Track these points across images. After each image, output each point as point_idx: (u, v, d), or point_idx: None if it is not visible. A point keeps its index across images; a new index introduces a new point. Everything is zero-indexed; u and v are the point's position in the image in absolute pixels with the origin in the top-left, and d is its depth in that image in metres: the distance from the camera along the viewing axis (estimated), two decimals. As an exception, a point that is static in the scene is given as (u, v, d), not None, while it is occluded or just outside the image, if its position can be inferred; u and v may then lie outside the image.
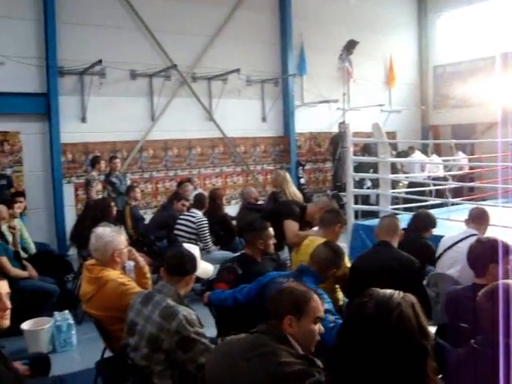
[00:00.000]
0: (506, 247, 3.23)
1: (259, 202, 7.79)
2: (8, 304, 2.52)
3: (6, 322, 2.52)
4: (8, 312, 2.52)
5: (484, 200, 8.35)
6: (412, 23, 14.77)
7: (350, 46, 11.79)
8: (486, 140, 11.28)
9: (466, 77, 13.80)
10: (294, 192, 7.16)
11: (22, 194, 7.76)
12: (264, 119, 11.69)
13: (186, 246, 3.47)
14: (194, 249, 3.46)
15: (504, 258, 3.13)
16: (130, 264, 4.17)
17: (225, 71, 10.57)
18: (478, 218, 4.76)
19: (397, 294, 1.64)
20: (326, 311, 3.15)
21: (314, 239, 4.31)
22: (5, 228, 6.33)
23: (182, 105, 10.45)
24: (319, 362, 2.20)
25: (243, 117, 11.20)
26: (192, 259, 3.21)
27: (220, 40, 10.79)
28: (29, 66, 8.76)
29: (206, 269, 3.44)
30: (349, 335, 1.61)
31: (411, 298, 1.65)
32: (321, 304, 2.42)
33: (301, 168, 11.96)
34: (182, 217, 6.81)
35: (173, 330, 2.82)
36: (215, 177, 11.11)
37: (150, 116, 10.16)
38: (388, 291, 1.66)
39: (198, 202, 7.02)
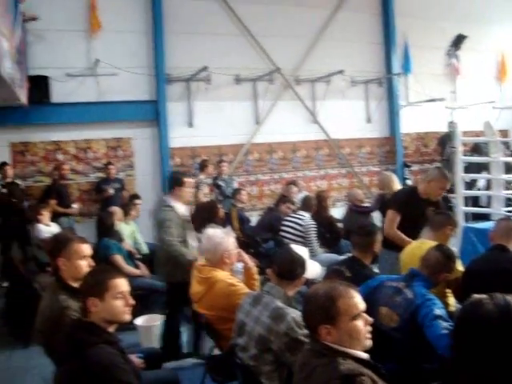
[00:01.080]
0: None
1: (365, 205, 7.65)
2: (131, 300, 2.65)
3: (128, 317, 2.66)
4: (130, 308, 2.66)
5: None
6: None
7: (458, 40, 11.36)
8: None
9: None
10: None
11: (138, 197, 8.11)
12: (369, 120, 11.49)
13: (294, 247, 3.48)
14: (302, 250, 3.46)
15: None
16: (238, 266, 4.24)
17: (328, 73, 10.52)
18: None
19: (504, 295, 1.58)
20: (438, 317, 3.05)
21: (424, 242, 4.17)
22: (120, 228, 6.70)
23: (285, 108, 10.51)
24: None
25: (347, 118, 11.06)
26: (302, 263, 3.21)
27: (322, 42, 10.74)
28: (139, 76, 9.23)
29: (313, 269, 3.42)
30: (468, 339, 1.55)
31: None
32: (356, 297, 2.18)
33: (407, 169, 11.64)
34: (288, 219, 6.82)
35: (282, 332, 2.84)
36: (320, 179, 11.06)
37: (254, 119, 10.31)
38: (494, 293, 1.60)
39: (306, 205, 7.02)
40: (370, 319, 2.20)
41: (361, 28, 11.29)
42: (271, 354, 2.88)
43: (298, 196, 7.85)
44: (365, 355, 2.17)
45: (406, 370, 3.00)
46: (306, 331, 2.81)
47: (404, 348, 3.11)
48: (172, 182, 5.08)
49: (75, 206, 8.49)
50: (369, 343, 2.19)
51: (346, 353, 2.11)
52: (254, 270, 4.00)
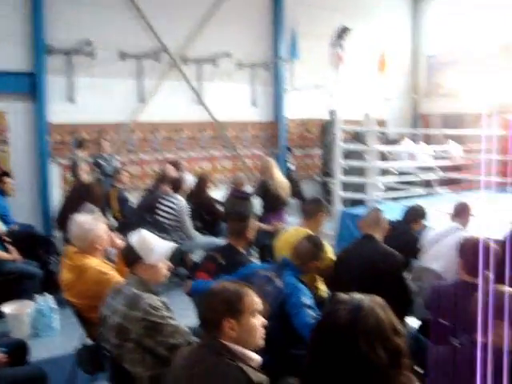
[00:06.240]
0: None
1: (245, 190, 7.67)
2: None
3: None
4: None
5: (469, 191, 8.21)
6: (405, 9, 14.54)
7: (343, 32, 11.67)
8: (469, 132, 10.95)
9: (458, 66, 13.62)
10: (280, 180, 7.17)
11: (8, 174, 7.69)
12: (254, 104, 11.56)
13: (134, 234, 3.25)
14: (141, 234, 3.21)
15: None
16: (112, 250, 4.14)
17: (215, 54, 10.44)
18: (461, 213, 4.82)
19: (366, 298, 1.62)
20: (305, 306, 3.14)
21: (297, 229, 4.30)
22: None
23: (171, 87, 10.30)
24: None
25: (233, 101, 11.07)
26: (131, 248, 3.11)
27: (211, 23, 10.56)
28: (13, 44, 8.59)
29: (161, 248, 3.20)
30: (322, 344, 1.59)
31: (379, 299, 1.65)
32: (256, 297, 2.28)
33: (289, 153, 11.88)
34: (162, 201, 6.41)
35: (138, 318, 2.82)
36: (204, 160, 11.00)
37: (139, 98, 10.01)
38: (357, 296, 1.63)
39: (177, 186, 6.80)
40: (265, 321, 2.30)
41: (250, 12, 11.23)
42: (131, 342, 2.85)
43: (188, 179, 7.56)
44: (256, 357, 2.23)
45: (278, 359, 3.05)
46: (163, 313, 2.85)
47: (276, 338, 3.17)
48: None
49: None
50: (260, 345, 2.28)
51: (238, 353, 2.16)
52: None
